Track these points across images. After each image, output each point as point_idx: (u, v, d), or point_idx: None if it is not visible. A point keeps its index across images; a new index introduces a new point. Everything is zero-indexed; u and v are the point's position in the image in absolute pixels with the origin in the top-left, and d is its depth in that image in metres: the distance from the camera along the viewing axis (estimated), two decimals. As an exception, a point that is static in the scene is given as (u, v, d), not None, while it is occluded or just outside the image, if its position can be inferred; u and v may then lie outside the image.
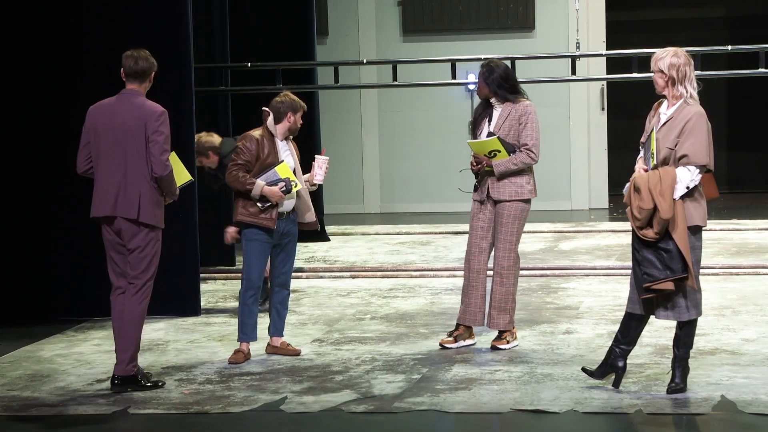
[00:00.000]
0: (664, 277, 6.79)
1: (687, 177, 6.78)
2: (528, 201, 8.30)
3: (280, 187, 8.04)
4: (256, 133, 8.17)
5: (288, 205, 8.19)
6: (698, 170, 6.79)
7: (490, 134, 8.17)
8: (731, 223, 14.47)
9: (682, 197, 6.80)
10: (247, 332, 8.19)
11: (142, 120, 7.37)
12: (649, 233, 6.80)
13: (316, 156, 8.32)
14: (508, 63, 12.42)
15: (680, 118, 6.83)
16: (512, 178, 8.21)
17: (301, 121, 8.28)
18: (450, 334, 8.47)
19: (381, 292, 10.84)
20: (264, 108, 8.25)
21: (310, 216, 8.33)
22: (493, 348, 8.28)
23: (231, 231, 9.53)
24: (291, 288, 11.16)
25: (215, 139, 10.06)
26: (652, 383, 7.17)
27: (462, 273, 11.57)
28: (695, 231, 6.90)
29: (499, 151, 8.11)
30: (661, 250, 6.80)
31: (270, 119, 8.18)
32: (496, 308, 8.34)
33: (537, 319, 9.32)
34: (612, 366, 7.11)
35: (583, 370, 7.23)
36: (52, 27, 9.76)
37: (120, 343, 7.47)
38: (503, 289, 8.31)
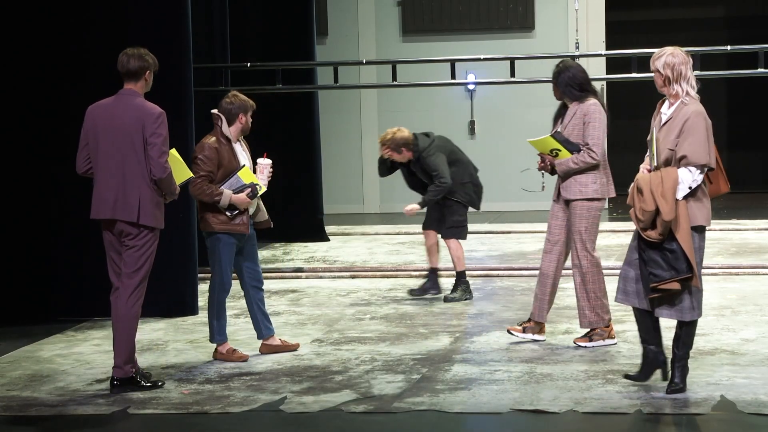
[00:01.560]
0: (669, 278, 6.79)
1: (689, 178, 6.78)
2: (595, 200, 8.22)
3: (247, 193, 8.03)
4: (211, 140, 8.05)
5: (252, 208, 8.18)
6: (699, 170, 6.79)
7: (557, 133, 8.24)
8: (731, 223, 14.47)
9: (685, 197, 6.80)
10: (224, 333, 8.25)
11: (139, 122, 7.34)
12: (653, 234, 6.80)
13: (258, 160, 8.27)
14: (507, 63, 12.48)
15: (679, 118, 6.83)
16: (577, 177, 8.20)
17: (251, 120, 8.22)
18: (520, 323, 8.53)
19: (381, 292, 10.84)
20: (213, 111, 8.17)
21: (262, 215, 8.32)
22: (576, 344, 8.32)
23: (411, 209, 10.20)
24: (291, 288, 11.23)
25: (407, 134, 10.24)
26: (652, 383, 7.16)
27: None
28: (699, 231, 6.90)
29: (560, 150, 8.12)
30: (666, 250, 6.79)
31: (225, 124, 8.13)
32: (580, 307, 8.35)
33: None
34: (653, 363, 7.07)
35: (626, 377, 7.18)
36: (52, 27, 9.75)
37: (115, 346, 7.47)
38: (582, 287, 8.30)
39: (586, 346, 8.22)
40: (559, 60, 8.69)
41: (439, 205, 10.37)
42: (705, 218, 6.88)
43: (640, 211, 6.82)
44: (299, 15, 14.10)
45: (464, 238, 10.38)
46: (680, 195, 6.76)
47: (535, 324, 8.48)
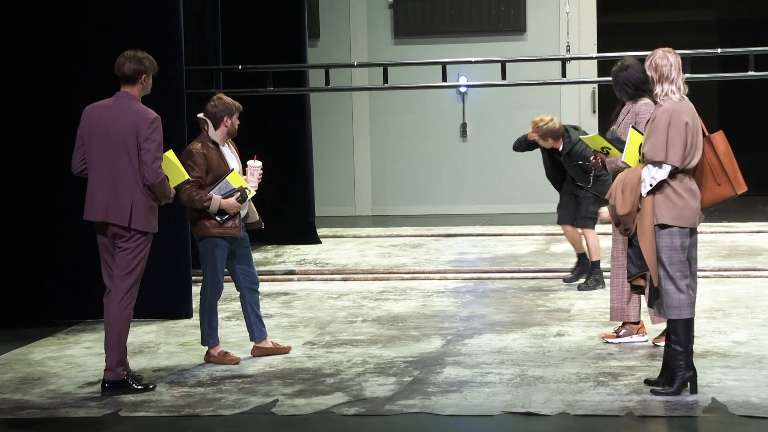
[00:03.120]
0: (635, 273, 6.93)
1: (647, 175, 6.85)
2: None
3: (237, 197, 8.02)
4: (197, 146, 8.04)
5: (243, 211, 8.17)
6: (657, 168, 6.81)
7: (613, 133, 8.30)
8: (722, 225, 14.48)
9: (653, 195, 6.83)
10: (216, 336, 8.25)
11: (134, 126, 7.32)
12: (620, 229, 7.01)
13: (248, 162, 8.26)
14: (499, 65, 12.48)
15: (651, 117, 6.91)
16: None
17: (238, 122, 8.19)
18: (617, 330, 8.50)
19: (372, 295, 10.84)
20: (199, 116, 8.16)
21: (254, 216, 8.32)
22: (604, 341, 8.38)
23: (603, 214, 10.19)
24: (283, 290, 11.23)
25: (558, 126, 10.65)
26: (644, 386, 7.17)
27: (453, 276, 11.69)
28: (663, 228, 6.88)
29: (610, 149, 8.16)
30: (635, 246, 6.92)
31: (210, 128, 8.12)
32: (611, 299, 8.41)
33: (528, 322, 9.33)
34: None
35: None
36: (44, 29, 9.74)
37: (107, 348, 7.45)
38: (614, 279, 8.33)
39: (612, 342, 8.21)
40: (620, 59, 8.74)
41: (575, 197, 10.70)
42: (673, 217, 6.86)
43: (610, 207, 7.02)
44: (291, 17, 14.10)
45: (593, 228, 10.76)
46: (643, 191, 6.86)
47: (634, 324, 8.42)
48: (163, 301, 9.69)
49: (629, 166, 7.03)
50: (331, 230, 15.40)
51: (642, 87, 8.28)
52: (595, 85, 17.13)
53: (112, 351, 7.43)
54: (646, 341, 8.36)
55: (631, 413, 6.67)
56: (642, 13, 19.77)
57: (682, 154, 6.82)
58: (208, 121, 8.09)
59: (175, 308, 9.80)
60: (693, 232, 6.99)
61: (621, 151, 8.13)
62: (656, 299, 6.96)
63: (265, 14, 14.06)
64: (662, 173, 6.81)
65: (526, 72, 14.54)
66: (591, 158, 8.40)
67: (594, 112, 17.57)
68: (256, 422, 6.84)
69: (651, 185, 6.83)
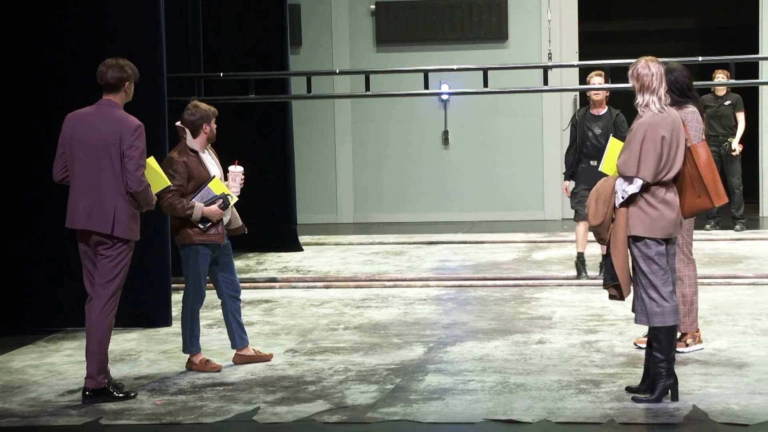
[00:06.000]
0: (609, 282, 7.00)
1: (620, 188, 6.88)
2: None
3: (219, 204, 8.01)
4: (177, 154, 8.05)
5: (225, 218, 8.16)
6: (627, 182, 6.83)
7: None
8: (703, 233, 14.52)
9: (627, 207, 6.86)
10: (198, 344, 8.23)
11: (117, 134, 7.31)
12: (597, 238, 7.04)
13: (229, 168, 8.26)
14: (481, 73, 12.49)
15: (629, 129, 6.95)
16: None
17: (215, 126, 8.21)
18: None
19: (354, 302, 10.84)
20: (177, 124, 8.15)
21: (236, 222, 8.32)
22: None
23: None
24: (264, 298, 11.20)
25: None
26: (625, 393, 7.18)
27: (435, 283, 11.70)
28: (637, 240, 6.91)
29: None
30: (609, 256, 6.94)
31: (189, 136, 8.11)
32: None
33: (510, 329, 9.34)
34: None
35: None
36: (27, 36, 9.71)
37: (88, 356, 7.43)
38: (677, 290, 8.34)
39: (682, 351, 8.14)
40: (664, 63, 8.70)
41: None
42: (646, 228, 6.87)
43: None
44: (273, 25, 14.08)
45: None
46: (616, 203, 6.89)
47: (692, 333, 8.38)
48: (143, 308, 9.66)
49: (606, 175, 7.04)
50: (313, 237, 15.40)
51: (687, 93, 8.10)
52: (577, 93, 17.17)
53: (93, 359, 7.41)
54: (702, 349, 8.35)
55: (612, 420, 6.68)
56: (624, 21, 19.83)
57: (655, 169, 6.82)
58: (187, 129, 8.09)
59: (155, 316, 9.78)
60: (670, 241, 7.00)
61: None
62: (640, 307, 6.98)
63: (247, 21, 14.05)
64: (633, 188, 6.82)
65: (508, 79, 14.54)
66: None
67: (576, 119, 17.58)
68: (237, 430, 6.83)
69: (623, 198, 6.85)
